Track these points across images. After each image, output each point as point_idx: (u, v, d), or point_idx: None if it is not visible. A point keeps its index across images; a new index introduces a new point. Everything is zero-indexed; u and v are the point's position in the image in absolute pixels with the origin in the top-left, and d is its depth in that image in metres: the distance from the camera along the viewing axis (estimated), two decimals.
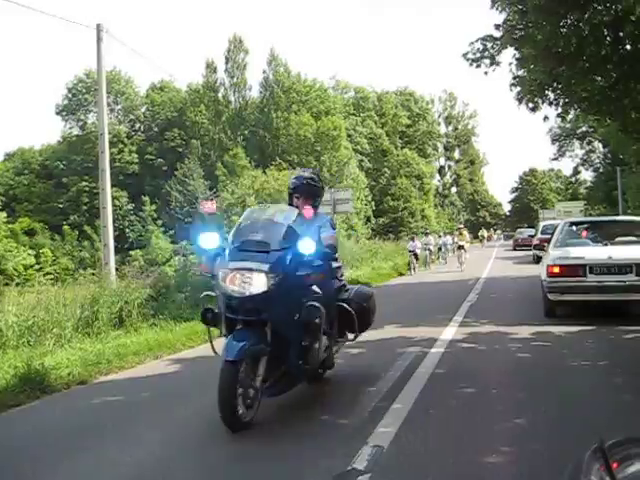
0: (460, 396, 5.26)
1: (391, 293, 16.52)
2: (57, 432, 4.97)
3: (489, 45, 13.15)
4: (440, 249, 31.13)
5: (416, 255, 24.33)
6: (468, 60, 13.40)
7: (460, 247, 25.09)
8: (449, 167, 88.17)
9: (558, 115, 15.90)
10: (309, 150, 53.78)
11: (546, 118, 14.64)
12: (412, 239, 26.26)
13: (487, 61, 13.33)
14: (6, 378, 6.24)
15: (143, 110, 69.14)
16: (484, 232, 55.31)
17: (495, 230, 71.49)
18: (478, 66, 13.41)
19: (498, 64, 13.37)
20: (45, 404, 5.85)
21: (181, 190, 57.61)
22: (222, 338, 4.79)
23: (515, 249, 38.98)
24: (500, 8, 12.87)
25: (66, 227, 55.69)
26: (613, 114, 14.55)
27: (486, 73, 13.46)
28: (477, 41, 13.20)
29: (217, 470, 3.94)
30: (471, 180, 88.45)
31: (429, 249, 27.19)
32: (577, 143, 53.99)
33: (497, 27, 12.97)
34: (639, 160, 20.85)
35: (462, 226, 31.85)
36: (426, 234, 29.50)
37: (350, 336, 5.69)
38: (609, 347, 7.21)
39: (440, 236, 36.97)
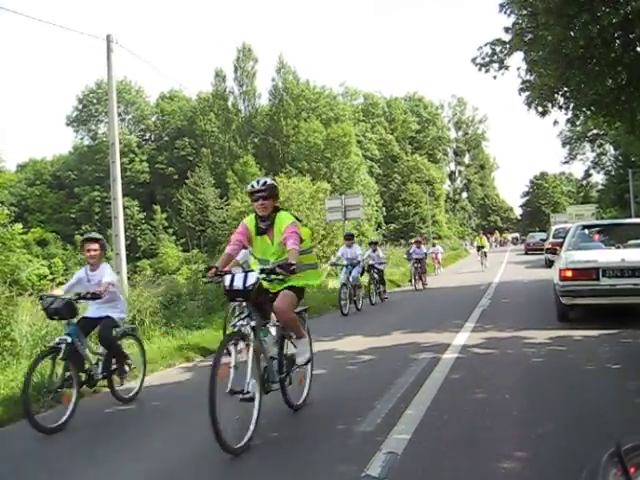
0: (474, 402, 5.22)
1: (402, 298, 16.48)
2: (70, 441, 4.99)
3: (498, 49, 13.11)
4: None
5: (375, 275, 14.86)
6: (477, 65, 13.36)
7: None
8: (459, 172, 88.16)
9: (568, 121, 15.89)
10: (319, 157, 53.97)
11: (556, 122, 14.69)
12: (368, 245, 15.53)
13: (496, 65, 13.30)
14: (20, 387, 6.26)
15: (153, 119, 69.73)
16: (483, 239, 28.90)
17: (501, 233, 69.95)
18: (487, 71, 13.39)
19: (507, 68, 13.33)
20: (58, 413, 5.87)
21: (192, 198, 57.99)
22: None
23: (527, 253, 38.82)
24: (509, 11, 12.86)
25: (78, 237, 56.09)
26: (622, 117, 14.47)
27: (495, 77, 13.44)
28: (485, 45, 13.17)
29: (232, 479, 3.93)
30: (482, 185, 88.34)
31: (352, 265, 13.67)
32: (588, 146, 53.98)
33: (507, 30, 12.94)
34: None
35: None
36: (349, 237, 14.45)
37: None
38: (622, 350, 7.15)
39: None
